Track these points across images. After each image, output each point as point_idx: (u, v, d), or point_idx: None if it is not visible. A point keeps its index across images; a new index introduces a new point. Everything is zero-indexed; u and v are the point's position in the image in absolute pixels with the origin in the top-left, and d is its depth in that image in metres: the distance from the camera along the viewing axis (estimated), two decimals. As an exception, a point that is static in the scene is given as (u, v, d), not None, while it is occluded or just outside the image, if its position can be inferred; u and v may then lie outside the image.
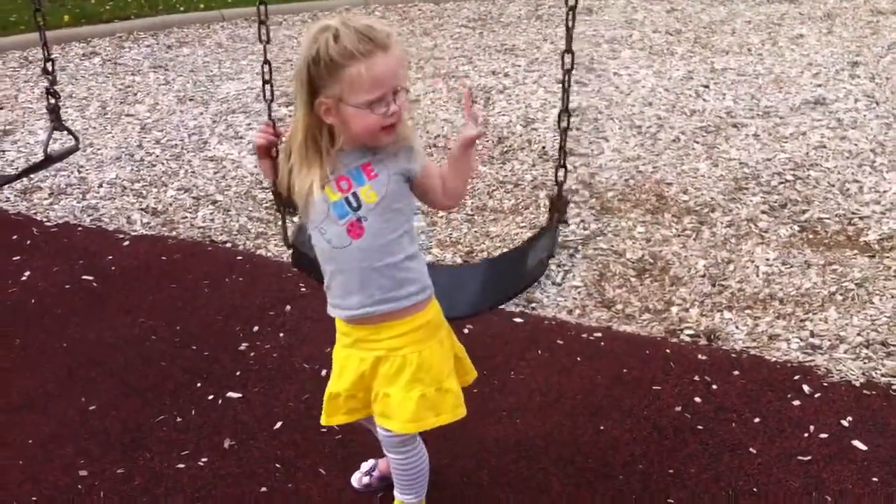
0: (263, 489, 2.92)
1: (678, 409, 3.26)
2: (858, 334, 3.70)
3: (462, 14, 10.12)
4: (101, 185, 5.55)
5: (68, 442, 3.16)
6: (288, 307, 4.01)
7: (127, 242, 4.75)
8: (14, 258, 4.58)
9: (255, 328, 3.87)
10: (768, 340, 3.71)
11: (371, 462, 2.93)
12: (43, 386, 3.50)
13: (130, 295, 4.18)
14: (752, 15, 9.61)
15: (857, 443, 3.04)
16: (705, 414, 3.22)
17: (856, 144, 5.77)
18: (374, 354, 2.34)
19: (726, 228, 4.70)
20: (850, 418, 3.17)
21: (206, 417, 3.29)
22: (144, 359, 3.66)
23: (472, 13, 10.15)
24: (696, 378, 3.43)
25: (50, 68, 3.97)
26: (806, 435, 3.09)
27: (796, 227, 4.68)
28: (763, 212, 4.87)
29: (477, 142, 2.32)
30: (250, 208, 5.17)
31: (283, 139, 2.37)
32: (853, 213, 4.81)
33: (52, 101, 4.00)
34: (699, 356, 3.58)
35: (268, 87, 2.63)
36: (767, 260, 4.36)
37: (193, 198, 5.35)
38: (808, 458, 2.98)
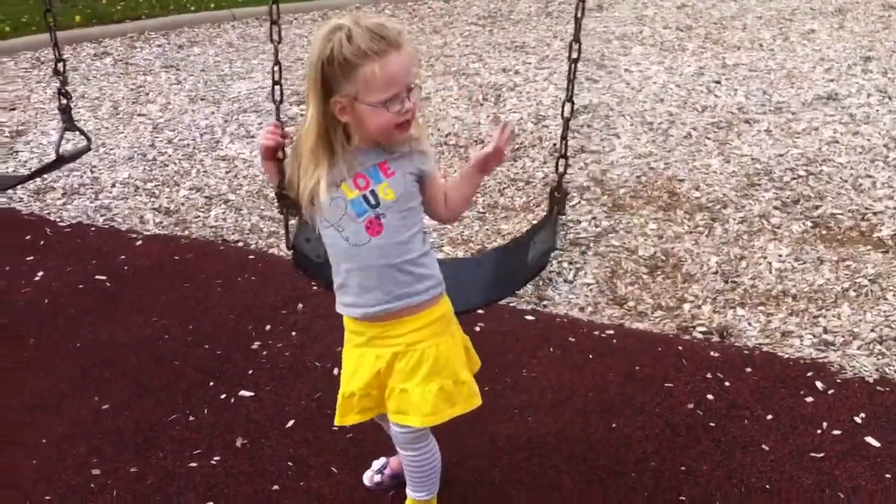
0: (275, 487, 2.92)
1: (690, 406, 3.25)
2: (872, 330, 3.69)
3: (472, 11, 10.11)
4: (113, 185, 5.57)
5: (81, 441, 3.18)
6: (300, 306, 4.02)
7: (140, 242, 4.77)
8: (27, 258, 4.60)
9: (268, 327, 3.87)
10: (781, 337, 3.69)
11: (382, 460, 2.93)
12: (56, 386, 3.52)
13: (143, 294, 4.19)
14: (763, 10, 9.57)
15: (870, 439, 3.03)
16: (718, 411, 3.21)
17: (868, 139, 5.74)
18: (392, 350, 2.35)
19: (739, 225, 4.69)
20: (863, 415, 3.16)
21: (219, 416, 3.30)
22: (157, 358, 3.68)
23: (482, 11, 10.13)
24: (709, 375, 3.42)
25: (61, 69, 3.98)
26: (819, 432, 3.08)
27: (809, 223, 4.66)
28: (775, 208, 4.85)
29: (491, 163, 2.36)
30: (262, 207, 5.18)
31: (290, 140, 2.37)
32: (866, 208, 4.79)
33: (64, 101, 4.01)
34: (712, 353, 3.57)
35: (277, 88, 2.62)
36: (780, 256, 4.34)
37: (206, 197, 5.37)
38: (821, 454, 2.97)
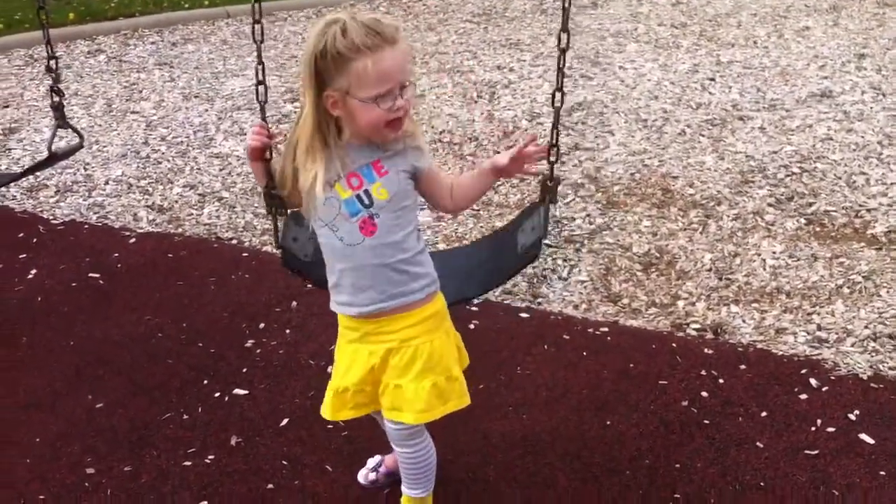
0: (270, 486, 2.92)
1: (685, 403, 3.25)
2: (866, 327, 3.69)
3: (466, 9, 10.10)
4: (107, 183, 5.56)
5: (75, 440, 3.17)
6: (294, 303, 4.01)
7: (133, 240, 4.76)
8: (20, 256, 4.59)
9: (262, 325, 3.87)
10: (775, 334, 3.70)
11: (377, 458, 2.93)
12: (50, 384, 3.51)
13: (137, 292, 4.18)
14: (758, 7, 9.57)
15: (864, 436, 3.03)
16: (712, 408, 3.22)
17: (862, 136, 5.75)
18: (386, 346, 2.34)
19: (733, 222, 4.69)
20: (857, 412, 3.16)
21: (213, 415, 3.29)
22: (151, 356, 3.67)
23: (477, 8, 10.13)
24: (703, 372, 3.42)
25: (53, 66, 3.96)
26: (813, 429, 3.08)
27: (803, 220, 4.66)
28: (769, 205, 4.85)
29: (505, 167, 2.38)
30: (256, 205, 5.17)
31: (277, 141, 2.36)
32: (860, 205, 4.80)
33: (57, 98, 3.99)
34: (706, 350, 3.57)
35: (262, 87, 2.58)
36: (774, 253, 4.34)
37: (199, 195, 5.36)
38: (816, 452, 2.97)
